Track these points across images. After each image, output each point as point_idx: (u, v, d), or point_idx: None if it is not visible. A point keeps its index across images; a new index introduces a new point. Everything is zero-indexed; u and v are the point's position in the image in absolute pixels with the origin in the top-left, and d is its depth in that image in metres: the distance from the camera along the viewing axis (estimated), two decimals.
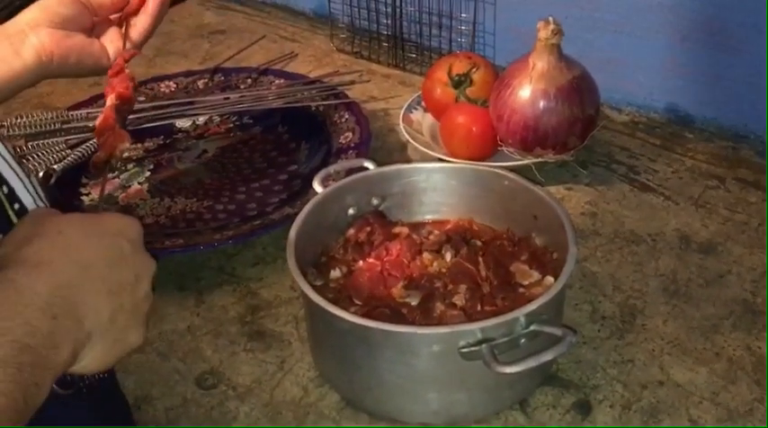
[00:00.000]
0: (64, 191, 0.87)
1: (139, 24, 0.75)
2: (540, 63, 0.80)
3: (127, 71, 0.73)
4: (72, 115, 0.95)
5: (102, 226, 0.48)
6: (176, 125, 0.99)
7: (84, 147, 0.88)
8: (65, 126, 0.93)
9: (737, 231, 0.78)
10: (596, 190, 0.85)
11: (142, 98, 1.00)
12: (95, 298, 0.43)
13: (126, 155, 0.94)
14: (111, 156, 0.69)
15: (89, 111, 0.96)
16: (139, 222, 0.50)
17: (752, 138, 0.89)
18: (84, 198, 0.88)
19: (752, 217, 0.79)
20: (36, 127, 0.93)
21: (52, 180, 0.84)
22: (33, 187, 0.50)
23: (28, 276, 0.41)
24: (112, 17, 0.76)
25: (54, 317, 0.40)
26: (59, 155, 0.88)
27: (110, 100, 0.72)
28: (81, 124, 0.93)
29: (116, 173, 0.91)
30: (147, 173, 0.91)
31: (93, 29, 0.74)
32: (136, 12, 0.75)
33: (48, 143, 0.90)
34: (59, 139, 0.91)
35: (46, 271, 0.42)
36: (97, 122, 0.70)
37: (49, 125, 0.93)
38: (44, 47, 0.69)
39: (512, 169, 0.73)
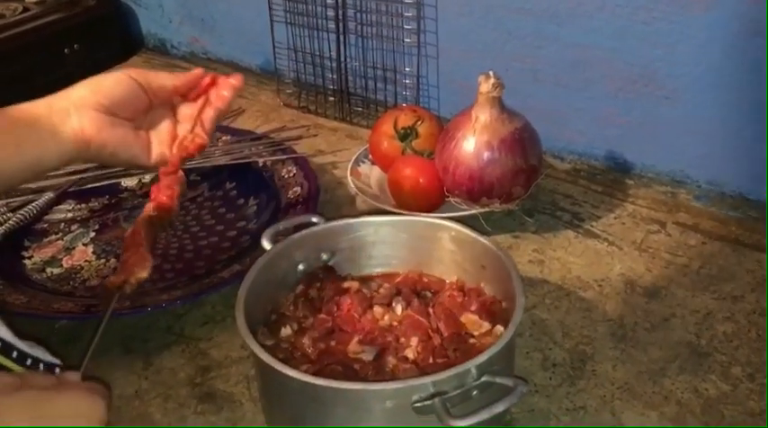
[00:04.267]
0: (5, 256, 0.85)
1: (207, 114, 0.68)
2: (482, 116, 0.82)
3: (179, 174, 0.64)
4: None
5: (54, 410, 0.42)
6: (122, 184, 0.98)
7: (26, 209, 0.87)
8: None
9: (680, 274, 0.80)
10: (543, 237, 0.87)
11: None
12: None
13: (70, 216, 0.92)
14: (124, 282, 0.59)
15: None
16: (104, 402, 0.44)
17: (688, 183, 0.92)
18: (26, 261, 0.86)
19: (692, 260, 0.82)
20: None
21: None
22: None
23: None
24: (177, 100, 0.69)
25: None
26: (0, 218, 0.86)
27: (146, 208, 0.62)
28: (23, 186, 0.92)
29: (59, 235, 0.90)
30: (92, 234, 0.90)
31: (149, 111, 0.67)
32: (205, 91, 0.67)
33: None
34: (0, 202, 0.89)
35: None
36: (126, 234, 0.61)
37: None
38: (83, 131, 0.62)
39: (459, 219, 0.74)
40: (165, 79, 0.67)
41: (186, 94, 0.69)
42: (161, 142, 0.67)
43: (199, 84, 0.68)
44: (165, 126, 0.68)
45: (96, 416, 0.44)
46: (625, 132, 0.95)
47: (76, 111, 0.62)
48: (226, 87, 0.68)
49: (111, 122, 0.64)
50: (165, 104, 0.68)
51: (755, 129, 0.85)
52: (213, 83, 0.68)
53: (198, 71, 0.69)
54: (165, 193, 0.62)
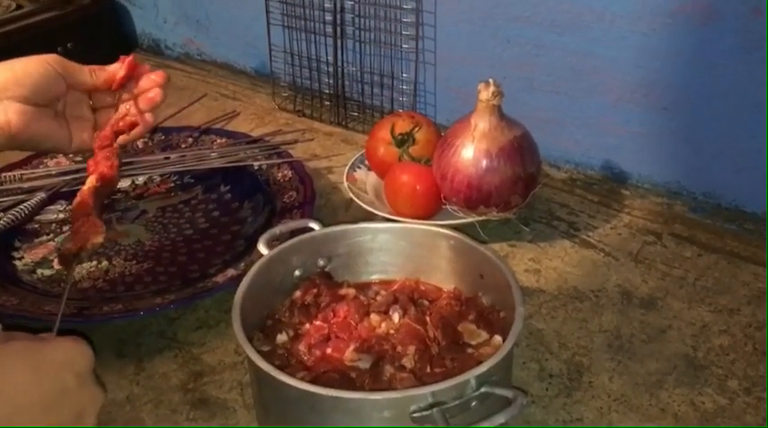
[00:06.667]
0: None
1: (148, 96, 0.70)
2: (481, 123, 0.81)
3: (115, 145, 0.67)
4: (4, 177, 0.92)
5: (48, 356, 0.44)
6: None
7: (17, 209, 0.86)
8: None
9: (676, 286, 0.80)
10: (539, 246, 0.86)
11: (79, 158, 0.98)
12: None
13: (62, 216, 0.91)
14: (81, 249, 0.61)
15: (23, 172, 0.93)
16: (91, 350, 0.47)
17: (684, 195, 0.92)
18: (16, 262, 0.84)
19: (688, 272, 0.82)
20: None
21: None
22: None
23: None
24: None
25: None
26: None
27: (89, 181, 0.65)
28: (14, 186, 0.91)
29: (50, 235, 0.88)
30: None
31: (66, 95, 0.69)
32: (123, 81, 0.69)
33: None
34: None
35: None
36: (73, 205, 0.64)
37: None
38: (9, 125, 0.63)
39: (456, 227, 0.73)
40: (85, 77, 0.69)
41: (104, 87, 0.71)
42: (80, 129, 0.69)
43: (116, 78, 0.70)
44: (83, 113, 0.70)
45: (86, 362, 0.47)
46: (622, 142, 0.95)
47: (0, 103, 0.63)
48: (149, 86, 0.70)
49: (37, 115, 0.65)
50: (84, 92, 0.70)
51: (753, 142, 0.85)
52: (129, 74, 0.70)
53: (114, 67, 0.70)
54: (104, 165, 0.66)
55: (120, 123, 0.68)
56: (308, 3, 1.10)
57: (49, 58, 0.66)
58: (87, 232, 0.61)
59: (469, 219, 0.84)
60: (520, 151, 0.81)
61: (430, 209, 0.87)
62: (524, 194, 0.83)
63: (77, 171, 0.95)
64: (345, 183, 0.93)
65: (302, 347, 0.64)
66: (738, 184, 0.88)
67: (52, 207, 0.93)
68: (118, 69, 0.70)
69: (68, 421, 0.44)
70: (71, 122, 0.69)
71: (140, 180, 0.98)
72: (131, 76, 0.70)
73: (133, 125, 0.69)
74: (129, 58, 0.70)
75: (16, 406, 0.42)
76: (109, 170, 0.66)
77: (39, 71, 0.65)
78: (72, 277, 0.65)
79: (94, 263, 0.84)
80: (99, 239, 0.61)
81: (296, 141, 1.06)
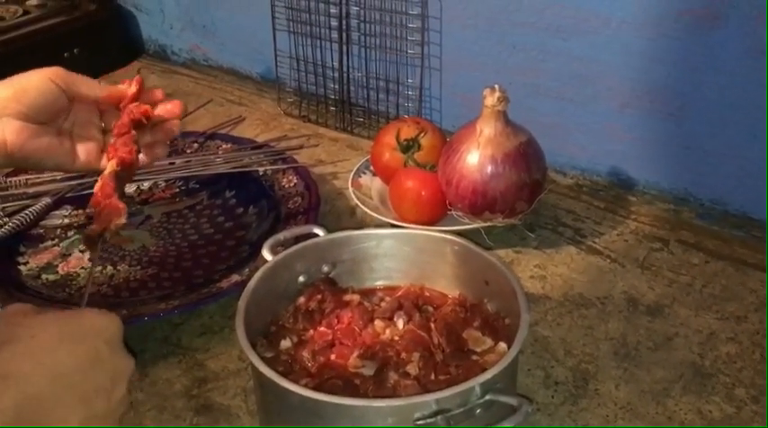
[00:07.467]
0: (0, 262, 0.84)
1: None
2: (487, 129, 0.81)
3: (133, 133, 0.67)
4: (10, 181, 0.92)
5: (80, 327, 0.47)
6: None
7: (22, 214, 0.86)
8: (1, 193, 0.91)
9: (682, 293, 0.79)
10: (544, 253, 0.86)
11: None
12: (64, 411, 0.43)
13: (66, 222, 0.91)
14: (105, 230, 0.62)
15: (28, 177, 0.93)
16: (119, 319, 0.50)
17: (692, 201, 0.92)
18: (21, 267, 0.85)
19: (695, 278, 0.81)
20: None
21: None
22: None
23: None
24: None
25: None
26: None
27: (110, 165, 0.65)
28: (19, 191, 0.91)
29: (55, 241, 0.88)
30: None
31: (70, 112, 0.67)
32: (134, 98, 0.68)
33: None
34: None
35: (14, 384, 0.41)
36: (95, 189, 0.64)
37: None
38: (6, 144, 0.62)
39: (461, 233, 0.73)
40: (88, 89, 0.67)
41: (110, 105, 0.69)
42: (86, 149, 0.68)
43: (124, 98, 0.68)
44: (92, 134, 0.68)
45: (116, 330, 0.50)
46: (628, 148, 0.94)
47: None
48: (168, 117, 0.69)
49: (35, 133, 0.64)
50: (89, 106, 0.68)
51: (760, 148, 0.84)
52: (140, 92, 0.68)
53: (122, 87, 0.68)
54: (123, 151, 0.66)
55: (135, 111, 0.67)
56: (314, 8, 1.10)
57: (52, 73, 0.64)
58: (110, 213, 0.62)
59: (474, 225, 0.83)
60: (525, 157, 0.81)
61: (435, 214, 0.86)
62: (530, 200, 0.83)
63: (83, 176, 0.95)
64: (350, 189, 0.92)
65: (306, 353, 0.64)
66: (746, 191, 0.87)
67: (57, 212, 0.93)
68: (127, 88, 0.68)
69: (104, 387, 0.46)
70: (77, 142, 0.67)
71: (145, 185, 0.98)
72: (140, 96, 0.69)
73: (147, 113, 0.68)
74: (138, 77, 0.69)
75: (56, 374, 0.44)
76: (128, 154, 0.66)
77: (39, 88, 0.63)
78: (98, 257, 0.67)
79: (99, 267, 0.84)
80: (122, 220, 0.62)
81: (301, 147, 1.06)
